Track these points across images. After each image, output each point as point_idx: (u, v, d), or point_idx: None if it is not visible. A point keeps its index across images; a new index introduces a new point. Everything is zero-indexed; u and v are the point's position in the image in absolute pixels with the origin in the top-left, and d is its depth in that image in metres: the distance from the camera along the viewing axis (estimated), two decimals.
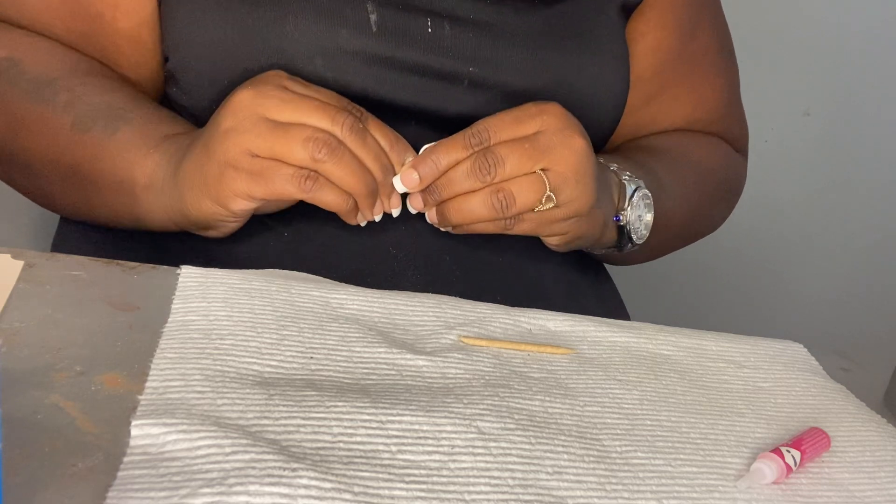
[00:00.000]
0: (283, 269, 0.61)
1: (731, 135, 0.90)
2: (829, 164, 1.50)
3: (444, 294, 0.62)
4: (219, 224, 0.63)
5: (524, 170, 0.61)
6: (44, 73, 0.66)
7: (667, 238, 0.80)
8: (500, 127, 0.62)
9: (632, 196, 0.70)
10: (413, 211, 0.65)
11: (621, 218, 0.70)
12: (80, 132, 0.64)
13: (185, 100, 0.69)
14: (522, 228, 0.64)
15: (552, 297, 0.73)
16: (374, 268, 0.66)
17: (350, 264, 0.66)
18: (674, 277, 1.46)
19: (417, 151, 0.64)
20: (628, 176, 0.71)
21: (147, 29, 0.68)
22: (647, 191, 0.71)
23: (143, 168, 0.64)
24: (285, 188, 0.59)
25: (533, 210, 0.63)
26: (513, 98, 0.69)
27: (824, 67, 1.44)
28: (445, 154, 0.62)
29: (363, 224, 0.64)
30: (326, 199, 0.60)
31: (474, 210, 0.62)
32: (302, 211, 0.66)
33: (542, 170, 0.62)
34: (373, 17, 0.66)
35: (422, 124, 0.67)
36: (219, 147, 0.59)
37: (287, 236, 0.66)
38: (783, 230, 1.51)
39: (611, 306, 0.81)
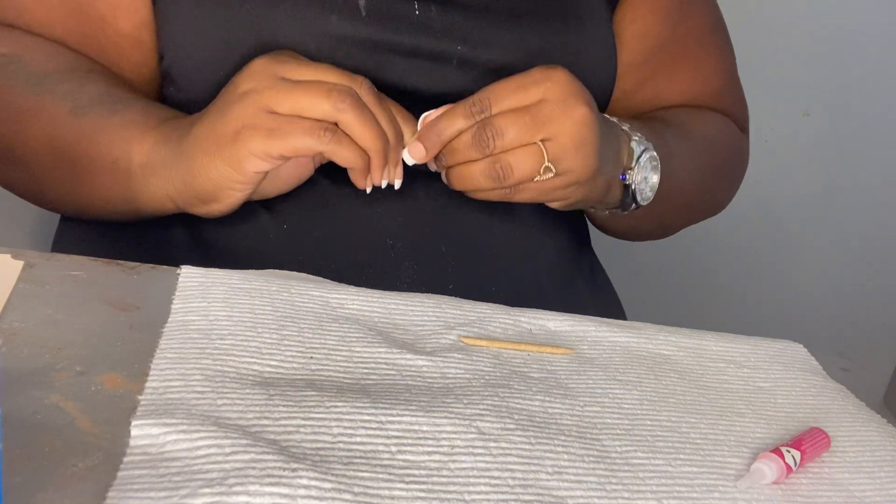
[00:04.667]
0: (282, 260, 0.62)
1: (731, 112, 0.90)
2: (829, 164, 1.50)
3: (439, 285, 0.63)
4: (225, 193, 0.62)
5: (523, 141, 0.61)
6: (45, 68, 0.66)
7: (675, 207, 0.80)
8: (502, 95, 0.62)
9: (639, 157, 0.70)
10: (414, 162, 0.65)
11: (627, 177, 0.70)
12: (79, 116, 0.64)
13: (182, 97, 0.69)
14: (523, 197, 0.64)
15: (546, 290, 0.73)
16: (371, 260, 0.67)
17: (347, 256, 0.66)
18: (673, 277, 1.46)
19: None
20: (638, 137, 0.70)
21: (147, 30, 0.69)
22: (654, 153, 0.71)
23: (140, 145, 0.63)
24: (304, 141, 0.59)
25: (532, 180, 0.63)
26: (502, 75, 0.69)
27: (824, 67, 1.44)
28: (448, 125, 0.62)
29: (368, 190, 0.63)
30: (343, 152, 0.60)
31: (475, 179, 0.63)
32: (300, 204, 0.67)
33: (542, 140, 0.62)
34: (361, 2, 0.67)
35: (414, 105, 0.68)
36: (235, 108, 0.59)
37: (286, 228, 0.67)
38: (783, 230, 1.51)
39: (605, 301, 0.81)
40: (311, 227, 0.67)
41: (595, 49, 0.76)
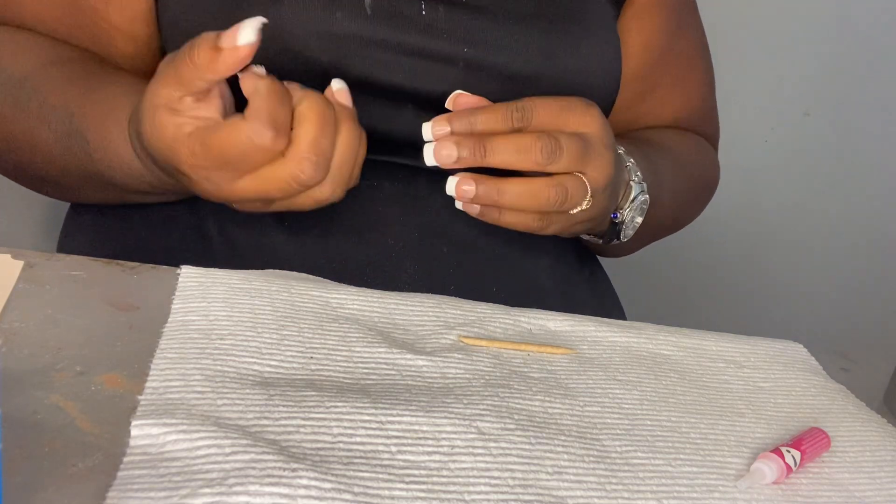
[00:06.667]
0: (283, 258, 0.62)
1: (708, 132, 0.93)
2: (829, 164, 1.50)
3: (440, 286, 0.63)
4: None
5: (573, 168, 0.62)
6: (17, 70, 0.67)
7: (654, 230, 0.82)
8: (546, 112, 0.62)
9: (634, 199, 0.71)
10: (431, 161, 0.61)
11: (618, 216, 0.72)
12: (63, 148, 0.65)
13: None
14: (553, 229, 0.65)
15: (547, 291, 0.74)
16: (372, 258, 0.67)
17: (349, 255, 0.67)
18: (673, 277, 1.46)
19: (415, 141, 0.62)
20: (637, 178, 0.72)
21: (140, 23, 0.69)
22: (647, 196, 0.73)
23: (135, 160, 0.62)
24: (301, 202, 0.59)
25: (576, 208, 0.63)
26: (509, 78, 0.70)
27: (824, 67, 1.44)
28: (486, 119, 0.61)
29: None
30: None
31: (535, 196, 0.61)
32: None
33: (580, 172, 0.63)
34: (367, 1, 0.67)
35: (419, 107, 0.68)
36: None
37: (287, 226, 0.67)
38: (783, 230, 1.51)
39: (605, 302, 0.82)
40: (312, 225, 0.67)
41: (601, 53, 0.76)
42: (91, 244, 0.72)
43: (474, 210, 0.63)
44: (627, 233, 0.73)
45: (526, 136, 0.60)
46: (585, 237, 0.77)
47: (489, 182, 0.61)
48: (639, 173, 0.72)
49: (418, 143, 0.62)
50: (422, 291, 0.60)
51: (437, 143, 0.60)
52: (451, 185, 0.61)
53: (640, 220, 0.73)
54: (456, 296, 0.61)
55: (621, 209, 0.72)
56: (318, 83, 0.62)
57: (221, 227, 0.67)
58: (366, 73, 0.66)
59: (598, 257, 0.88)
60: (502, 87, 0.69)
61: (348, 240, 0.67)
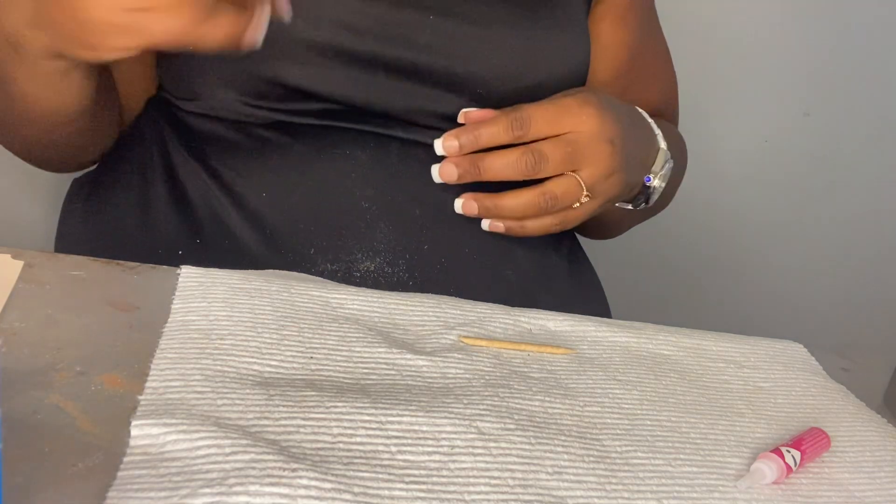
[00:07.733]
0: (260, 226, 0.63)
1: (675, 122, 0.97)
2: (830, 165, 1.50)
3: (414, 248, 0.65)
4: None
5: (562, 170, 0.67)
6: None
7: (655, 206, 0.83)
8: (542, 119, 0.67)
9: (664, 164, 0.76)
10: (438, 179, 0.68)
11: (650, 180, 0.75)
12: None
13: (180, 78, 0.70)
14: (574, 224, 0.71)
15: (518, 253, 0.74)
16: (348, 222, 0.68)
17: (324, 220, 0.68)
18: (673, 278, 1.46)
19: (386, 110, 0.69)
20: (665, 145, 0.75)
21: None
22: (672, 162, 0.76)
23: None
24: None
25: (572, 206, 0.68)
26: (477, 46, 0.71)
27: (824, 67, 1.43)
28: (488, 133, 0.66)
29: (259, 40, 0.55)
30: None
31: (528, 205, 0.68)
32: (276, 170, 0.68)
33: (574, 171, 0.67)
34: None
35: (391, 73, 0.69)
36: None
37: (265, 197, 0.67)
38: (783, 230, 1.51)
39: (581, 272, 0.83)
40: (287, 193, 0.68)
41: (567, 28, 0.77)
42: (88, 244, 0.72)
43: (500, 227, 0.70)
44: (653, 198, 0.77)
45: (513, 152, 0.66)
46: (614, 204, 0.79)
47: (487, 200, 0.69)
48: (665, 142, 0.75)
49: (390, 112, 0.70)
50: (395, 251, 0.65)
51: (441, 164, 0.68)
52: (458, 206, 0.69)
53: (663, 186, 0.76)
54: (429, 258, 0.62)
55: (655, 174, 0.75)
56: (289, 48, 0.66)
57: (201, 200, 0.68)
58: (336, 40, 0.67)
59: (605, 259, 0.88)
60: (470, 52, 0.71)
61: (323, 205, 0.68)
